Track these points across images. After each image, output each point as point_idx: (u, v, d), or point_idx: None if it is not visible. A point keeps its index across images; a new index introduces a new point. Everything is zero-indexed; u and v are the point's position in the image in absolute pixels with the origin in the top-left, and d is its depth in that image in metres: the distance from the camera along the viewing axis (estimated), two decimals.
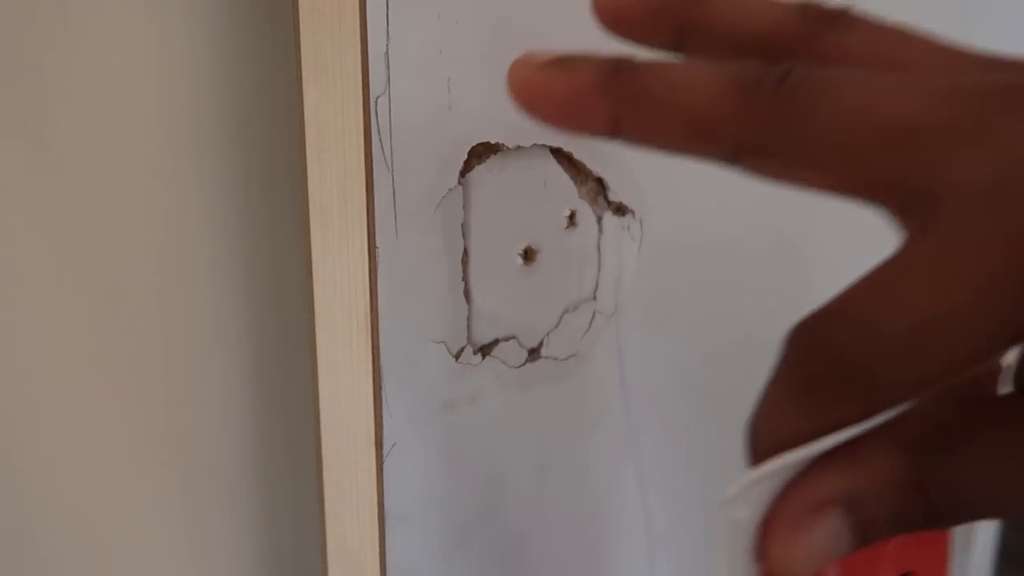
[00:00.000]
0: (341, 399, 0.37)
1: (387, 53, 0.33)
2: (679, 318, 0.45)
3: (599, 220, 0.41)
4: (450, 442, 0.39)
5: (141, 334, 0.40)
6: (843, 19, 0.21)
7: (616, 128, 0.22)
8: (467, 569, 0.41)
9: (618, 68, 0.22)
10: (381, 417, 0.36)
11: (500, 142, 0.36)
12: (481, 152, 0.36)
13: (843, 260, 0.50)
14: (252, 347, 0.43)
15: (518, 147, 0.37)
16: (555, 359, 0.41)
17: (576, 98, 0.22)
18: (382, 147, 0.33)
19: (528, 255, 0.39)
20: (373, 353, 0.35)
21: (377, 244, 0.34)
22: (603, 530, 0.46)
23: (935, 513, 0.18)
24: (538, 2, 0.36)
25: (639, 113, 0.21)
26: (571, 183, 0.39)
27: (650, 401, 0.45)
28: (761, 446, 0.19)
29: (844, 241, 0.49)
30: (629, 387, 0.44)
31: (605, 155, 0.40)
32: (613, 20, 0.25)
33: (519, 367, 0.40)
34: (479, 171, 0.36)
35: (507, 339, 0.39)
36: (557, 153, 0.38)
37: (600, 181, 0.40)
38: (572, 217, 0.40)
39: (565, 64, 0.22)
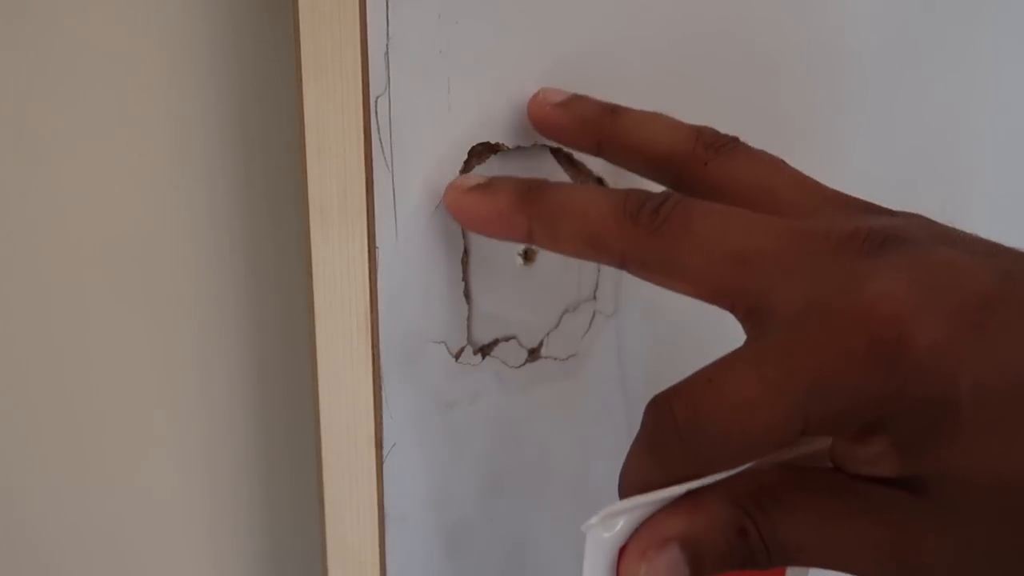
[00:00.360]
0: (341, 399, 0.37)
1: (387, 53, 0.33)
2: (679, 318, 0.45)
3: None
4: (450, 442, 0.39)
5: (140, 334, 0.40)
6: (729, 147, 0.26)
7: (531, 237, 0.27)
8: (467, 569, 0.41)
9: (529, 190, 0.27)
10: (381, 417, 0.36)
11: (500, 142, 0.36)
12: (481, 152, 0.36)
13: None
14: (252, 347, 0.43)
15: (518, 147, 0.37)
16: (555, 359, 0.41)
17: (497, 216, 0.28)
18: (382, 147, 0.33)
19: (528, 255, 0.39)
20: (373, 353, 0.35)
21: (377, 244, 0.34)
22: None
23: (752, 556, 0.22)
24: (538, 2, 0.36)
25: (546, 228, 0.26)
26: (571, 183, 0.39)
27: None
28: (624, 487, 0.24)
29: None
30: (629, 387, 0.44)
31: None
32: (544, 127, 0.31)
33: (519, 367, 0.40)
34: (479, 171, 0.36)
35: (507, 339, 0.39)
36: (557, 153, 0.38)
37: (600, 181, 0.40)
38: None
39: (488, 188, 0.28)
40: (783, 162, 0.26)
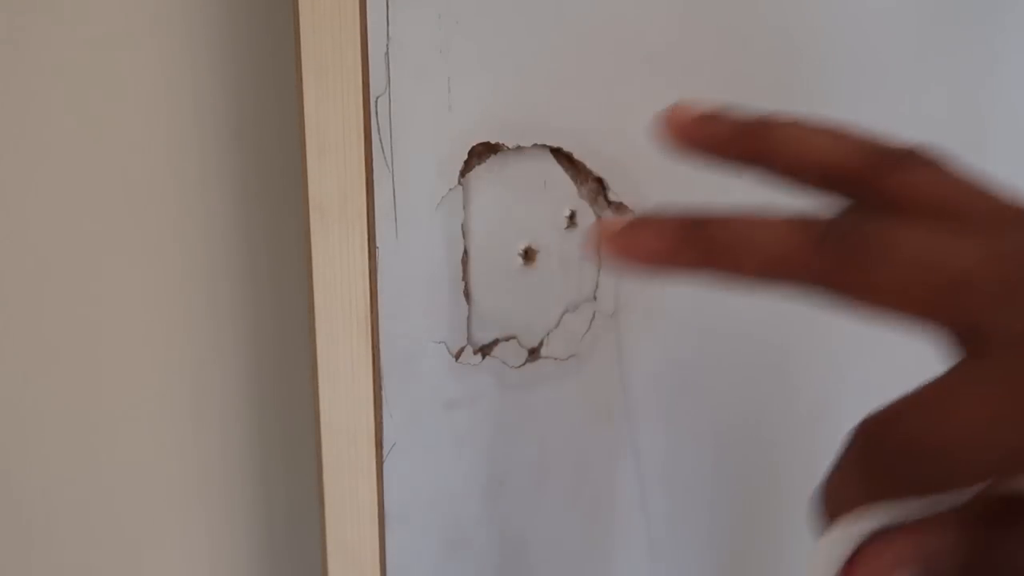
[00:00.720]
0: (341, 399, 0.37)
1: (387, 53, 0.33)
2: (679, 318, 0.45)
3: (599, 220, 0.41)
4: (450, 442, 0.39)
5: (140, 334, 0.40)
6: (907, 158, 0.24)
7: (699, 271, 0.25)
8: (467, 569, 0.41)
9: (703, 219, 0.24)
10: (381, 417, 0.36)
11: (500, 142, 0.36)
12: (481, 152, 0.36)
13: None
14: (252, 347, 0.43)
15: (518, 147, 0.37)
16: (555, 359, 0.41)
17: (660, 254, 0.25)
18: (382, 147, 0.33)
19: (528, 255, 0.39)
20: (373, 353, 0.35)
21: (377, 244, 0.34)
22: (603, 530, 0.46)
23: None
24: (538, 1, 0.36)
25: (726, 259, 0.24)
26: (571, 183, 0.39)
27: (650, 401, 0.45)
28: (829, 511, 0.23)
29: None
30: (629, 387, 0.44)
31: (605, 155, 0.40)
32: (688, 140, 0.27)
33: (519, 367, 0.40)
34: (479, 171, 0.36)
35: (507, 339, 0.39)
36: (557, 153, 0.38)
37: (600, 181, 0.40)
38: (572, 217, 0.40)
39: (650, 224, 0.25)
40: (965, 172, 0.24)
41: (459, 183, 0.36)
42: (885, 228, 0.22)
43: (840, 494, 0.23)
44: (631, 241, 0.25)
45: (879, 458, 0.22)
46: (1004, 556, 0.22)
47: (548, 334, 0.40)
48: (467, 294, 0.37)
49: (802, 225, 0.23)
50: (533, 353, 0.40)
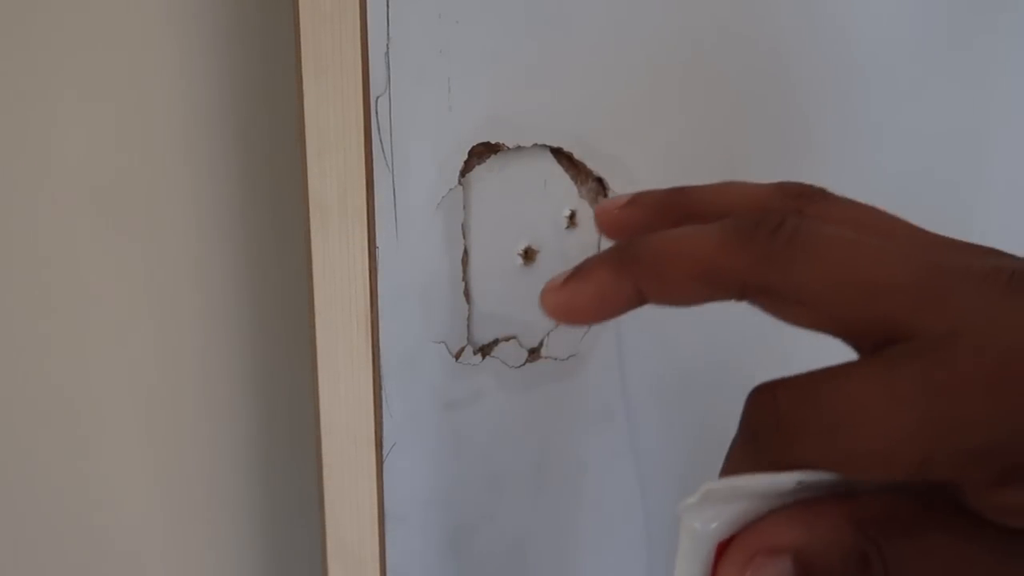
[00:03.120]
0: (341, 399, 0.37)
1: (387, 53, 0.33)
2: (679, 318, 0.45)
3: None
4: (450, 442, 0.39)
5: (141, 334, 0.40)
6: (819, 195, 0.25)
7: (643, 299, 0.25)
8: (467, 569, 0.41)
9: (623, 252, 0.25)
10: (381, 417, 0.36)
11: (500, 142, 0.36)
12: (481, 152, 0.36)
13: None
14: (252, 347, 0.43)
15: (518, 147, 0.37)
16: (555, 359, 0.41)
17: (602, 296, 0.26)
18: (382, 147, 0.33)
19: (528, 255, 0.39)
20: (373, 353, 0.35)
21: (377, 244, 0.34)
22: (602, 530, 0.46)
23: None
24: (538, 2, 0.36)
25: (655, 281, 0.25)
26: (571, 183, 0.39)
27: (650, 401, 0.45)
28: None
29: None
30: (629, 387, 0.44)
31: (605, 155, 0.40)
32: (618, 230, 0.28)
33: (519, 367, 0.40)
34: (479, 171, 0.36)
35: (507, 339, 0.39)
36: (557, 153, 0.38)
37: (600, 181, 0.40)
38: (572, 217, 0.40)
39: (579, 273, 0.26)
40: (881, 208, 0.24)
41: (459, 183, 0.36)
42: (815, 230, 0.22)
43: (734, 468, 0.22)
44: (566, 298, 0.26)
45: (764, 424, 0.21)
46: (898, 563, 0.21)
47: (548, 334, 0.40)
48: (467, 294, 0.37)
49: (729, 228, 0.23)
50: (533, 353, 0.40)
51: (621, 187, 0.41)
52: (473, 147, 0.36)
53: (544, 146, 0.37)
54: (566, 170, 0.39)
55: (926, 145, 0.55)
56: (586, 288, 0.26)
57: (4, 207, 0.36)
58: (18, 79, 0.35)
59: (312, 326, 0.38)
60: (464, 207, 0.36)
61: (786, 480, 0.21)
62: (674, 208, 0.27)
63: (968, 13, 0.55)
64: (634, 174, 0.41)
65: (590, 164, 0.39)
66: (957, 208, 0.58)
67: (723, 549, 0.22)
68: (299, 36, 0.35)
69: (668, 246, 0.24)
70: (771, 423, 0.21)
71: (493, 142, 0.36)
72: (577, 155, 0.39)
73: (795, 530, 0.21)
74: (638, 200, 0.27)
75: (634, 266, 0.25)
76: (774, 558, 0.21)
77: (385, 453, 0.36)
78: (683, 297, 0.25)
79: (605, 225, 0.28)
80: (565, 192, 0.39)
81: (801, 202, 0.25)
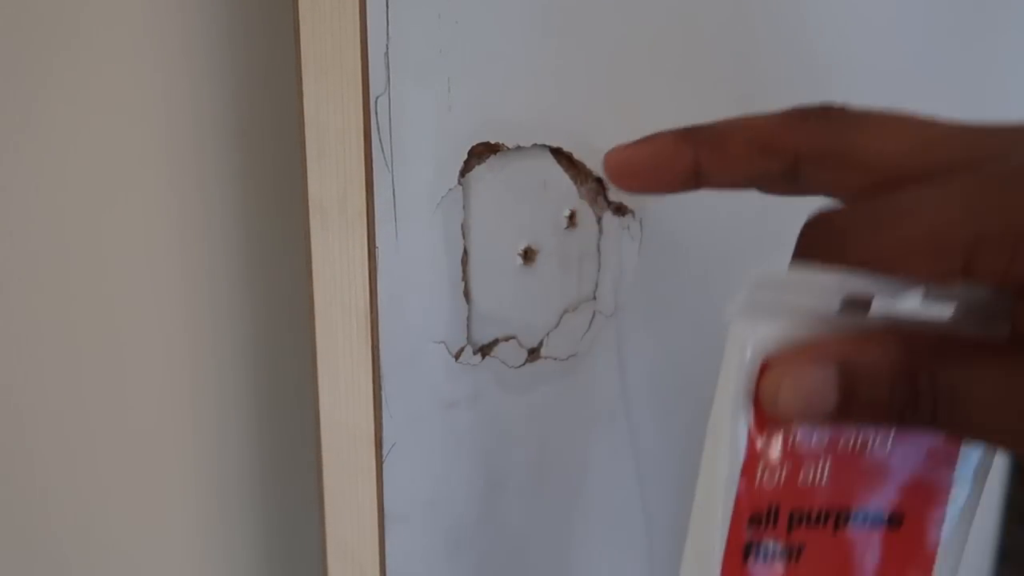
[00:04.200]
0: (341, 399, 0.37)
1: (387, 53, 0.33)
2: (679, 318, 0.45)
3: (599, 220, 0.41)
4: (450, 442, 0.39)
5: (141, 334, 0.40)
6: (837, 108, 0.25)
7: (697, 165, 0.25)
8: (467, 569, 0.41)
9: (690, 127, 0.26)
10: (381, 417, 0.36)
11: (500, 142, 0.36)
12: (481, 152, 0.36)
13: None
14: (252, 347, 0.43)
15: (518, 147, 0.37)
16: (555, 359, 0.41)
17: (659, 154, 0.26)
18: (382, 147, 0.33)
19: (528, 255, 0.39)
20: (373, 353, 0.35)
21: (377, 244, 0.34)
22: (603, 530, 0.46)
23: (915, 402, 0.20)
24: (538, 2, 0.36)
25: (714, 148, 0.25)
26: (571, 183, 0.39)
27: (650, 401, 0.45)
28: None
29: None
30: (629, 387, 0.44)
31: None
32: (628, 170, 0.28)
33: (519, 367, 0.40)
34: (479, 171, 0.36)
35: (507, 339, 0.39)
36: (557, 153, 0.38)
37: (600, 181, 0.40)
38: (572, 217, 0.40)
39: (644, 139, 0.26)
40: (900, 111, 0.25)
41: (459, 183, 0.36)
42: (860, 109, 0.23)
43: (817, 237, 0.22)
44: (627, 155, 0.26)
45: (820, 224, 0.21)
46: (947, 376, 0.20)
47: (548, 334, 0.40)
48: (467, 294, 0.37)
49: (785, 112, 0.24)
50: (533, 353, 0.40)
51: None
52: (473, 147, 0.36)
53: (544, 146, 0.37)
54: (566, 170, 0.39)
55: None
56: (647, 150, 0.26)
57: (2, 206, 0.36)
58: (17, 79, 0.35)
59: (312, 326, 0.38)
60: (464, 207, 0.36)
61: (831, 279, 0.20)
62: (685, 142, 0.27)
63: (969, 12, 0.55)
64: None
65: (590, 164, 0.39)
66: None
67: (767, 368, 0.21)
68: (299, 37, 0.35)
69: (731, 122, 0.25)
70: (824, 230, 0.21)
71: (493, 142, 0.36)
72: (577, 155, 0.39)
73: (844, 343, 0.20)
74: (648, 138, 0.27)
75: (697, 134, 0.25)
76: (818, 364, 0.20)
77: (385, 453, 0.36)
78: (738, 167, 0.25)
79: (613, 165, 0.27)
80: (565, 192, 0.39)
81: (822, 122, 0.25)
